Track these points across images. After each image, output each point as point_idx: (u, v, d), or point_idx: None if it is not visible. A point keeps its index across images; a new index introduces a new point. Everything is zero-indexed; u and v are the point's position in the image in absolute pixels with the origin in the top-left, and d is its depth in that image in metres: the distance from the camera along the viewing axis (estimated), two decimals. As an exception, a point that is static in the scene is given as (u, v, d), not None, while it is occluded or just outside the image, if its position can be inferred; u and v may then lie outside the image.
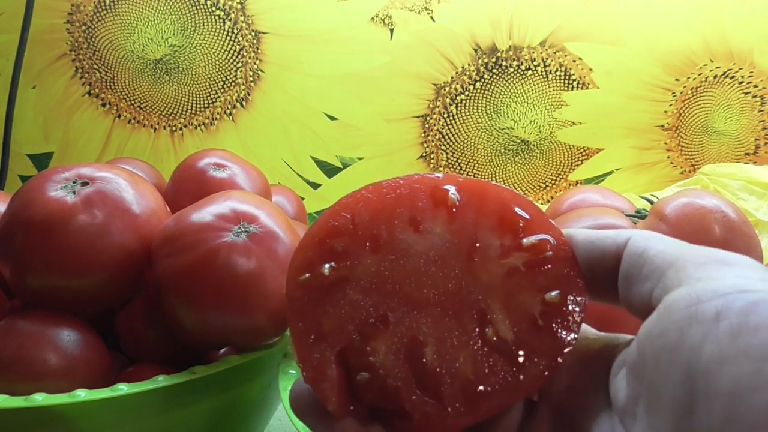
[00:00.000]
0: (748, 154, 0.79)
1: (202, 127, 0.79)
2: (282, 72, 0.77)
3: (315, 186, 0.80)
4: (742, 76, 0.76)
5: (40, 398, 0.32)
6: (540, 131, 0.79)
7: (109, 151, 0.79)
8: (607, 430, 0.19)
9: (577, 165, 0.80)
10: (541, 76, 0.77)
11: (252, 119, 0.79)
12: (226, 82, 0.78)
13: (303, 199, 0.77)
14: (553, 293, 0.21)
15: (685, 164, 0.79)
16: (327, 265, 0.22)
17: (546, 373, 0.20)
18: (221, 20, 0.76)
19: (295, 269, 0.23)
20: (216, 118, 0.79)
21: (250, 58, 0.77)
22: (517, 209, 0.23)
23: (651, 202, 0.41)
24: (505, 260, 0.22)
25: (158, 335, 0.40)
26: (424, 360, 0.21)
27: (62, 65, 0.77)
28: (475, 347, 0.21)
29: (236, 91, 0.78)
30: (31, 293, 0.37)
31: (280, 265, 0.36)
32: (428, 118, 0.78)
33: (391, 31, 0.76)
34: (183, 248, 0.36)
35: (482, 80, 0.78)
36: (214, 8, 0.76)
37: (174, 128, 0.79)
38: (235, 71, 0.78)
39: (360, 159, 0.79)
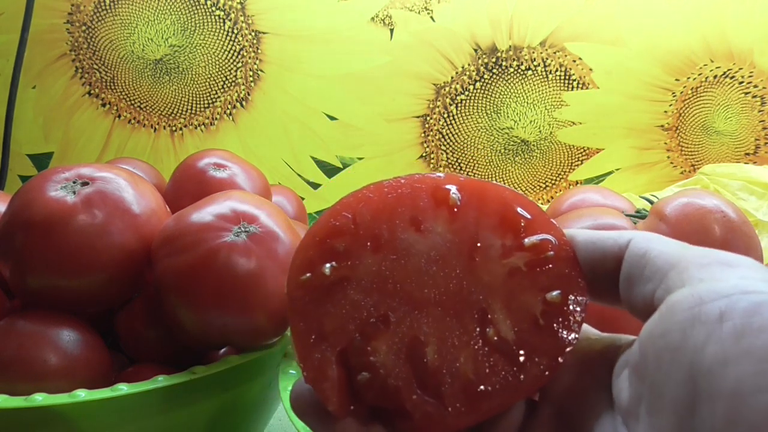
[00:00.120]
0: (748, 154, 0.79)
1: (202, 127, 0.79)
2: (282, 72, 0.77)
3: (315, 186, 0.80)
4: (742, 76, 0.76)
5: (40, 398, 0.31)
6: (540, 131, 0.79)
7: (109, 151, 0.79)
8: (609, 431, 0.19)
9: (577, 165, 0.80)
10: (541, 76, 0.77)
11: (252, 119, 0.78)
12: (226, 82, 0.78)
13: (303, 199, 0.77)
14: (554, 293, 0.21)
15: (685, 164, 0.79)
16: (328, 265, 0.22)
17: (547, 372, 0.20)
18: (221, 20, 0.76)
19: (296, 269, 0.23)
20: (216, 118, 0.79)
21: (250, 58, 0.77)
22: (518, 209, 0.22)
23: (651, 202, 0.41)
24: (506, 260, 0.22)
25: (158, 335, 0.40)
26: (425, 360, 0.21)
27: (62, 65, 0.77)
28: (476, 347, 0.21)
29: (236, 91, 0.78)
30: (31, 293, 0.37)
31: (280, 265, 0.36)
32: (428, 118, 0.78)
33: (391, 31, 0.76)
34: (183, 248, 0.36)
35: (482, 80, 0.77)
36: (214, 8, 0.76)
37: (174, 128, 0.79)
38: (235, 71, 0.77)
39: (360, 159, 0.79)
